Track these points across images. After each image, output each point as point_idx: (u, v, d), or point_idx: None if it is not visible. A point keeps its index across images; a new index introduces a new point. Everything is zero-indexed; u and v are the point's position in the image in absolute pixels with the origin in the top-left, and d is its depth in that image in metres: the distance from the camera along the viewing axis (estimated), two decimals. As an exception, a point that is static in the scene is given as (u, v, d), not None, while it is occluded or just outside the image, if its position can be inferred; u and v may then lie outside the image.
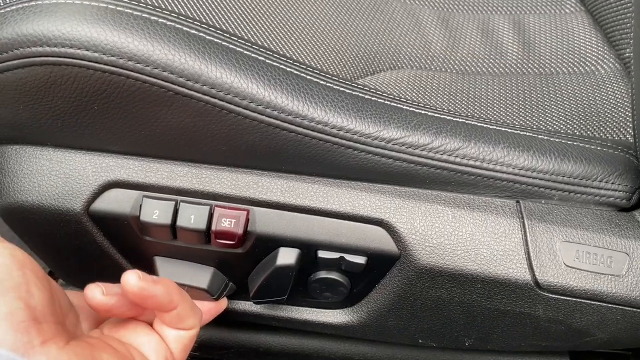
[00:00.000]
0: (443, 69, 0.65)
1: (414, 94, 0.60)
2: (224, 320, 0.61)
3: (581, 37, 0.69)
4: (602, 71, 0.65)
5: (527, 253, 0.44)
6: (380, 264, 0.46)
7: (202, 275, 0.48)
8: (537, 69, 0.66)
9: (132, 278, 0.36)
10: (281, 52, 0.45)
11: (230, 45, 0.41)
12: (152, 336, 0.40)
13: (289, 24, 0.63)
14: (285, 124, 0.41)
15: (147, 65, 0.38)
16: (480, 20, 0.72)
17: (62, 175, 0.45)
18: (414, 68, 0.65)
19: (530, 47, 0.68)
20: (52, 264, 0.53)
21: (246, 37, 0.43)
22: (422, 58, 0.66)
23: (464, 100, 0.60)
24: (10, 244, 0.32)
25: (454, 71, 0.65)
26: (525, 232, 0.45)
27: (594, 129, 0.56)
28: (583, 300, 0.45)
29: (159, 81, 0.38)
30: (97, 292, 0.37)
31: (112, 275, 0.51)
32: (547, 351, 0.61)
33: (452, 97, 0.60)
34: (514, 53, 0.67)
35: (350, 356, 0.62)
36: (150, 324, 0.42)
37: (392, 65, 0.65)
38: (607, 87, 0.62)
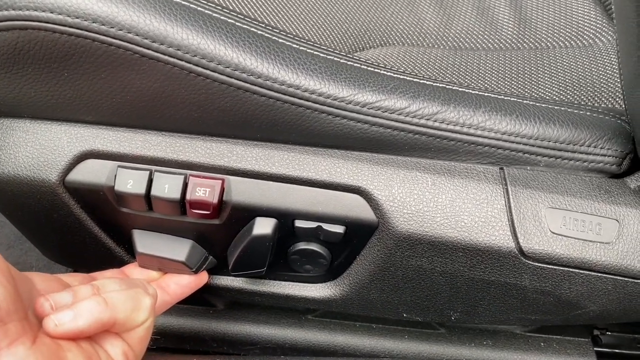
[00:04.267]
0: (435, 45, 0.64)
1: (402, 67, 0.59)
2: (248, 315, 0.62)
3: (579, 11, 0.67)
4: (600, 44, 0.63)
5: (511, 220, 0.43)
6: (359, 233, 0.45)
7: (180, 248, 0.47)
8: (533, 43, 0.64)
9: (50, 325, 0.34)
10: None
11: (198, 8, 0.40)
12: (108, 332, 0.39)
13: None
14: (255, 87, 0.40)
15: (112, 27, 0.38)
16: (476, -3, 0.71)
17: (38, 146, 0.45)
18: (406, 45, 0.64)
19: (527, 23, 0.67)
20: (33, 240, 0.53)
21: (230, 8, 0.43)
22: (414, 35, 0.65)
23: (454, 73, 0.58)
24: None
25: (447, 47, 0.64)
26: (508, 198, 0.43)
27: (587, 97, 0.54)
28: (571, 269, 0.43)
29: (124, 43, 0.38)
30: (46, 307, 0.35)
31: (93, 250, 0.51)
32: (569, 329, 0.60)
33: (443, 70, 0.59)
34: (509, 29, 0.66)
35: (375, 353, 0.61)
36: None
37: (382, 42, 0.64)
38: (604, 58, 0.60)
